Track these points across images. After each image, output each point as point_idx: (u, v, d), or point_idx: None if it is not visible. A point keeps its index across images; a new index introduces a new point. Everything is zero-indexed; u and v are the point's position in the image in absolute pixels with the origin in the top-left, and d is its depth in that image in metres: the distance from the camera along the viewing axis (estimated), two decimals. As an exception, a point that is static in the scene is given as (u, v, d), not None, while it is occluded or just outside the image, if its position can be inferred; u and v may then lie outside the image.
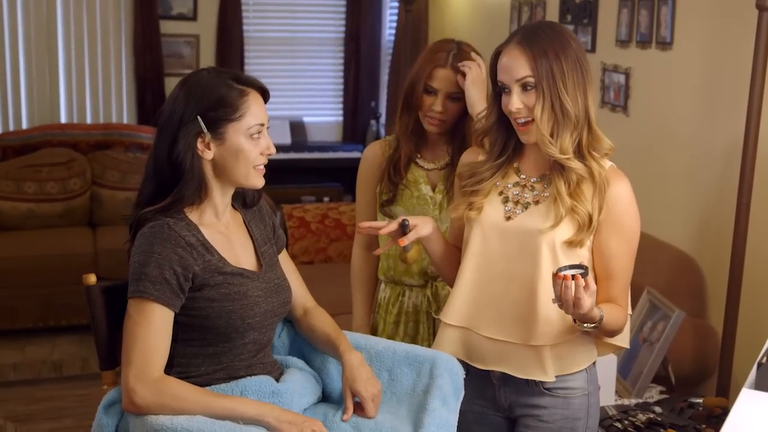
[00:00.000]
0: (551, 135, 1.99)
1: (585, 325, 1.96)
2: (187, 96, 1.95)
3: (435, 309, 2.59)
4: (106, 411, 1.96)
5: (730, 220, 3.01)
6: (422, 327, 2.61)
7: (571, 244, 2.01)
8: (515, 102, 2.00)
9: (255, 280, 2.01)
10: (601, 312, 1.95)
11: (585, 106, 2.00)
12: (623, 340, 2.16)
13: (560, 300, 1.88)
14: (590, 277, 1.87)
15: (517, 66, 1.99)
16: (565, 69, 1.98)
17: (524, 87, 1.99)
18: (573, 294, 1.85)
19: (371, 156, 2.65)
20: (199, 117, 1.92)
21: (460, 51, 2.53)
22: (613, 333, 2.07)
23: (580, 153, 2.01)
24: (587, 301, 1.87)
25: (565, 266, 1.89)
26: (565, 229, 2.02)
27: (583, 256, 2.04)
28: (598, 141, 2.03)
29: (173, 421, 1.79)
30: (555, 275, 1.87)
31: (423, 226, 2.14)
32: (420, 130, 2.58)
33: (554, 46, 1.98)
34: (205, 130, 1.93)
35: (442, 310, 2.18)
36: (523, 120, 2.01)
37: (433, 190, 2.58)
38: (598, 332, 2.03)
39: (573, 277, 1.85)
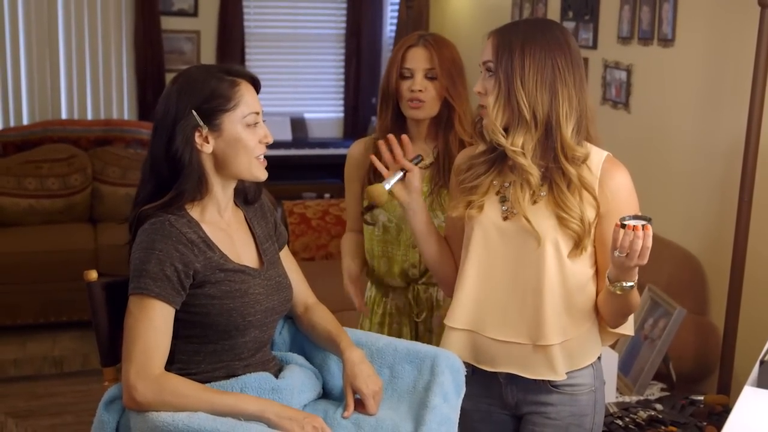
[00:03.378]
0: (505, 129, 1.99)
1: (625, 284, 1.93)
2: (180, 92, 1.95)
3: (416, 312, 2.59)
4: (107, 407, 1.96)
5: (732, 218, 3.01)
6: (405, 329, 2.61)
7: (575, 254, 2.01)
8: (478, 85, 2.04)
9: (256, 278, 2.00)
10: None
11: (552, 109, 1.97)
12: (628, 329, 2.16)
13: (627, 251, 1.84)
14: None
15: (485, 50, 2.03)
16: (528, 65, 1.96)
17: (489, 72, 2.02)
18: (643, 243, 1.83)
19: (355, 153, 2.65)
20: (193, 111, 1.92)
21: (431, 34, 2.55)
22: (631, 308, 2.04)
23: (554, 158, 1.99)
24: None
25: (629, 216, 1.86)
26: (564, 243, 2.01)
27: (585, 256, 2.04)
28: (569, 149, 1.99)
29: (174, 418, 1.79)
30: (623, 226, 1.84)
31: (415, 178, 2.17)
32: (401, 127, 2.55)
33: (524, 40, 1.97)
34: (202, 123, 1.93)
35: (446, 314, 2.17)
36: (483, 104, 2.04)
37: None
38: (624, 301, 1.99)
39: (643, 227, 1.84)
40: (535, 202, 2.03)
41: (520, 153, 1.98)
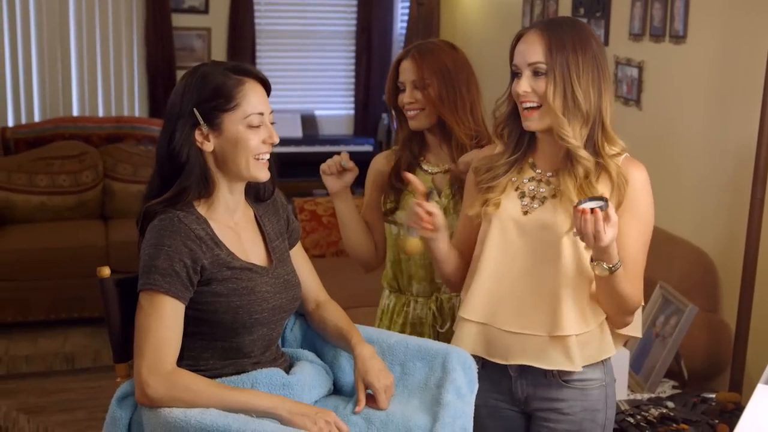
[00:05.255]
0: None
1: (603, 264, 1.94)
2: (185, 89, 1.95)
3: (440, 323, 2.58)
4: (119, 404, 1.97)
5: (744, 215, 3.00)
6: None
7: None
8: (523, 85, 2.02)
9: (264, 276, 2.00)
10: (619, 259, 1.94)
11: (598, 105, 2.02)
12: (635, 330, 2.16)
13: (581, 233, 1.88)
14: (611, 209, 1.87)
15: (532, 51, 2.01)
16: (581, 63, 2.00)
17: (535, 73, 2.01)
18: (593, 227, 1.85)
19: (378, 166, 2.65)
20: (195, 109, 1.92)
21: (423, 43, 2.56)
22: (625, 300, 2.03)
23: (594, 151, 2.03)
24: (608, 233, 1.86)
25: (586, 199, 1.89)
26: None
27: None
28: (611, 141, 2.05)
29: (186, 414, 1.79)
30: (575, 208, 1.88)
31: (439, 215, 2.13)
32: (418, 137, 2.59)
33: (574, 40, 2.01)
34: (202, 121, 1.93)
35: (460, 307, 2.17)
36: (528, 105, 2.03)
37: (439, 195, 2.56)
38: (610, 287, 1.99)
39: (592, 210, 1.85)
40: (554, 196, 2.05)
41: (581, 146, 2.01)
